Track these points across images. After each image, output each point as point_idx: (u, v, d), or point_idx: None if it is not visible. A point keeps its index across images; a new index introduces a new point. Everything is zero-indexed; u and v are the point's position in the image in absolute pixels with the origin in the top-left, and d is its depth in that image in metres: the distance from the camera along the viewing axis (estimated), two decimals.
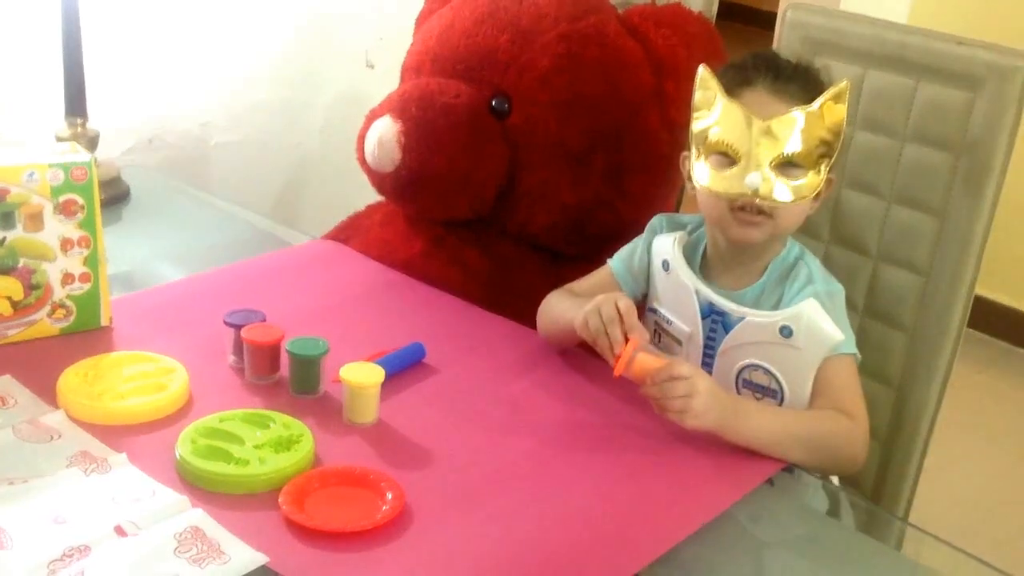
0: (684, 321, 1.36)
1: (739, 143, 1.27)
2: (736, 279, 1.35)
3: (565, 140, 1.58)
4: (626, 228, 1.53)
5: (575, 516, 1.11)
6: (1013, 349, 3.16)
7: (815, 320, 1.27)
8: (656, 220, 1.45)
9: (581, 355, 1.39)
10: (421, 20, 1.80)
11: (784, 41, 1.62)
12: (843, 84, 1.28)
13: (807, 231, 1.53)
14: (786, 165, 1.27)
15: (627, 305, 1.26)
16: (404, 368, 1.35)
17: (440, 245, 1.65)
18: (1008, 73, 1.42)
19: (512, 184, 1.60)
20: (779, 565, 1.13)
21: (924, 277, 1.50)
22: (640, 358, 1.23)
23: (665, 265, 1.38)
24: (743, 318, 1.31)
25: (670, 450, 1.22)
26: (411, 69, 1.71)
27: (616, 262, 1.45)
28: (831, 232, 1.58)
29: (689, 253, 1.39)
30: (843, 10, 1.78)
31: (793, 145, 1.26)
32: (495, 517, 1.10)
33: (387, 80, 1.83)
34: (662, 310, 1.40)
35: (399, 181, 1.59)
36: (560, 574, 1.03)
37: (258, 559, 1.00)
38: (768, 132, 1.26)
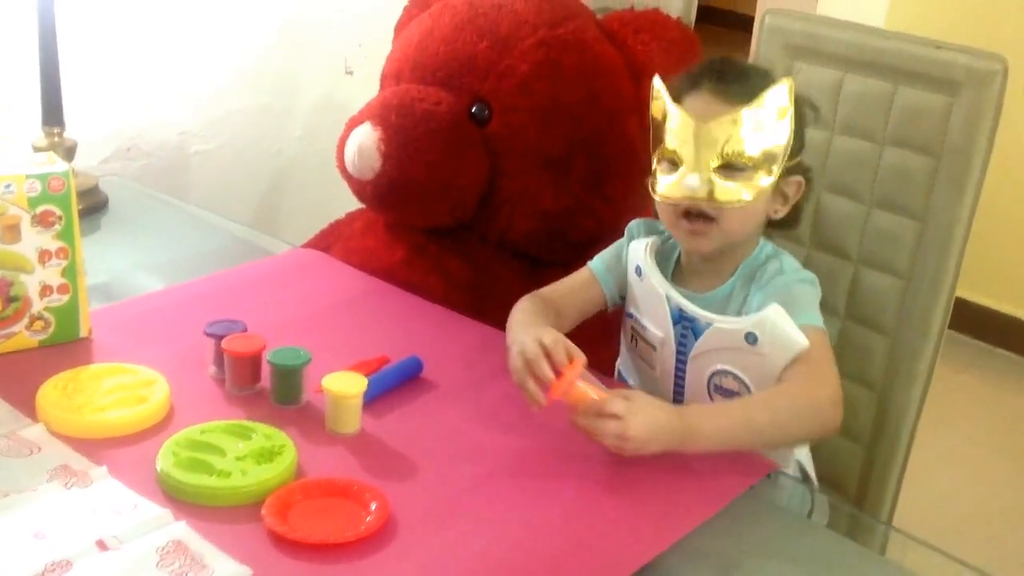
0: (657, 327, 1.37)
1: (683, 147, 1.28)
2: (705, 282, 1.36)
3: (545, 146, 1.58)
4: (606, 234, 1.53)
5: (560, 525, 1.11)
6: (994, 350, 3.18)
7: (779, 326, 1.25)
8: (634, 224, 1.45)
9: None
10: (400, 27, 1.80)
11: (763, 46, 1.63)
12: (784, 83, 1.28)
13: (788, 236, 1.53)
14: (728, 167, 1.26)
15: (553, 339, 1.21)
16: (401, 383, 1.33)
17: (421, 253, 1.65)
18: (986, 77, 1.42)
19: (492, 191, 1.60)
20: (762, 571, 1.13)
21: (905, 280, 1.50)
22: (579, 387, 1.18)
23: (638, 271, 1.38)
24: (711, 324, 1.31)
25: (656, 460, 1.21)
26: (390, 76, 1.71)
27: (597, 263, 1.45)
28: (812, 236, 1.58)
29: (664, 258, 1.40)
30: (821, 15, 1.79)
31: (733, 145, 1.26)
32: (480, 526, 1.10)
33: (366, 87, 1.83)
34: (637, 315, 1.40)
35: (379, 189, 1.59)
36: None
37: (242, 572, 0.99)
38: (708, 134, 1.26)
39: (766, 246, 1.36)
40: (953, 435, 2.68)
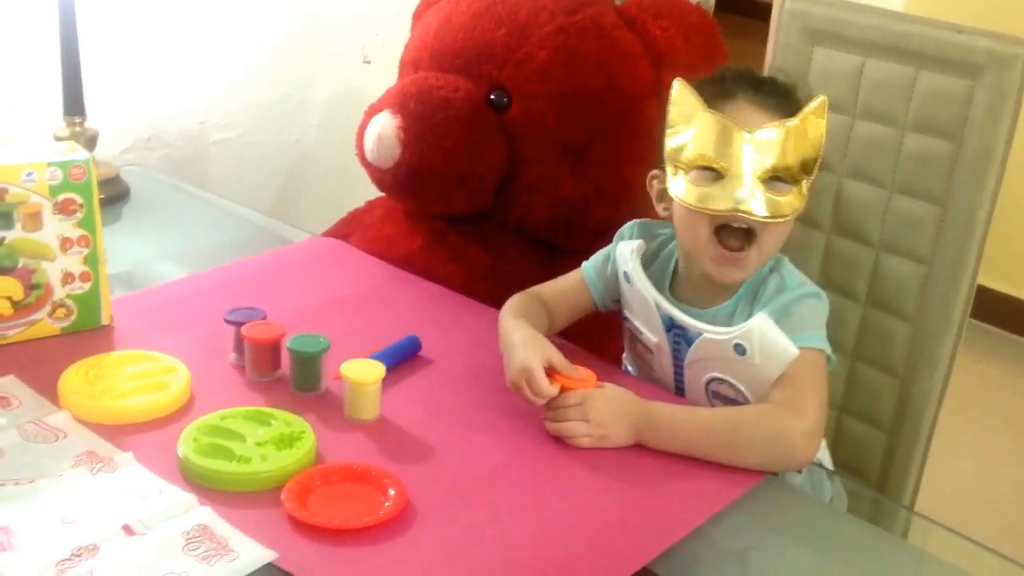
0: (651, 332, 1.35)
1: (723, 156, 1.23)
2: (707, 297, 1.32)
3: (563, 133, 1.58)
4: (625, 221, 1.52)
5: (579, 511, 1.11)
6: (1015, 338, 3.16)
7: (767, 336, 1.23)
8: (627, 227, 1.42)
9: (580, 349, 1.39)
10: (418, 15, 1.79)
11: (783, 31, 1.62)
12: (821, 99, 1.25)
13: (808, 222, 1.53)
14: (773, 179, 1.23)
15: (539, 375, 1.22)
16: (401, 362, 1.34)
17: (440, 240, 1.65)
18: (1008, 61, 1.41)
19: (511, 178, 1.60)
20: (783, 556, 1.13)
21: (926, 266, 1.50)
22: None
23: (626, 276, 1.36)
24: (700, 334, 1.29)
25: None
26: (409, 64, 1.71)
27: (589, 267, 1.43)
28: (833, 222, 1.57)
29: (661, 267, 1.37)
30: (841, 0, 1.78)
31: (780, 158, 1.22)
32: (498, 512, 1.10)
33: (384, 76, 1.83)
34: (632, 318, 1.38)
35: (398, 176, 1.59)
36: (564, 567, 1.03)
37: (267, 556, 1.00)
38: (753, 144, 1.22)
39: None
40: (974, 422, 2.67)
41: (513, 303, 1.39)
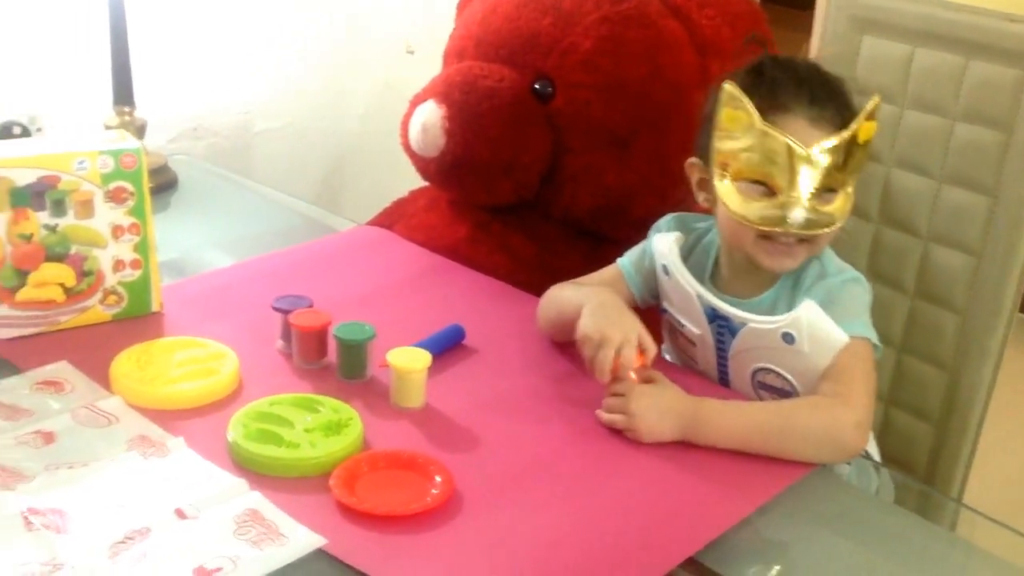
0: (693, 324, 1.34)
1: (779, 174, 1.21)
2: (748, 287, 1.32)
3: (608, 123, 1.58)
4: (669, 211, 1.52)
5: (626, 500, 1.11)
6: None
7: (816, 323, 1.22)
8: (663, 220, 1.41)
9: None
10: (462, 5, 1.80)
11: (830, 20, 1.60)
12: (874, 100, 1.23)
13: (856, 212, 1.51)
14: (825, 191, 1.22)
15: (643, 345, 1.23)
16: (445, 350, 1.35)
17: (485, 230, 1.65)
18: None
19: (556, 168, 1.60)
20: (830, 548, 1.12)
21: (976, 258, 1.48)
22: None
23: (665, 269, 1.36)
24: (745, 324, 1.28)
25: None
26: (453, 54, 1.71)
27: (625, 261, 1.42)
28: (881, 213, 1.56)
29: (700, 258, 1.36)
30: None
31: (834, 172, 1.21)
32: (544, 500, 1.10)
33: (427, 66, 1.83)
34: (672, 311, 1.38)
35: (443, 166, 1.59)
36: (610, 556, 1.03)
37: (316, 541, 1.01)
38: (809, 161, 1.21)
39: None
40: (1023, 415, 2.63)
41: (554, 290, 1.39)
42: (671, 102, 1.58)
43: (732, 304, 1.30)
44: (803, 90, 1.24)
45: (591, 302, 1.28)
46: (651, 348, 1.24)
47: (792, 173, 1.21)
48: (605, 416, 1.22)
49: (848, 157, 1.22)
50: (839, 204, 1.24)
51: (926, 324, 1.52)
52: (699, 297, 1.32)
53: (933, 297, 1.52)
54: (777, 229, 1.22)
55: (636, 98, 1.57)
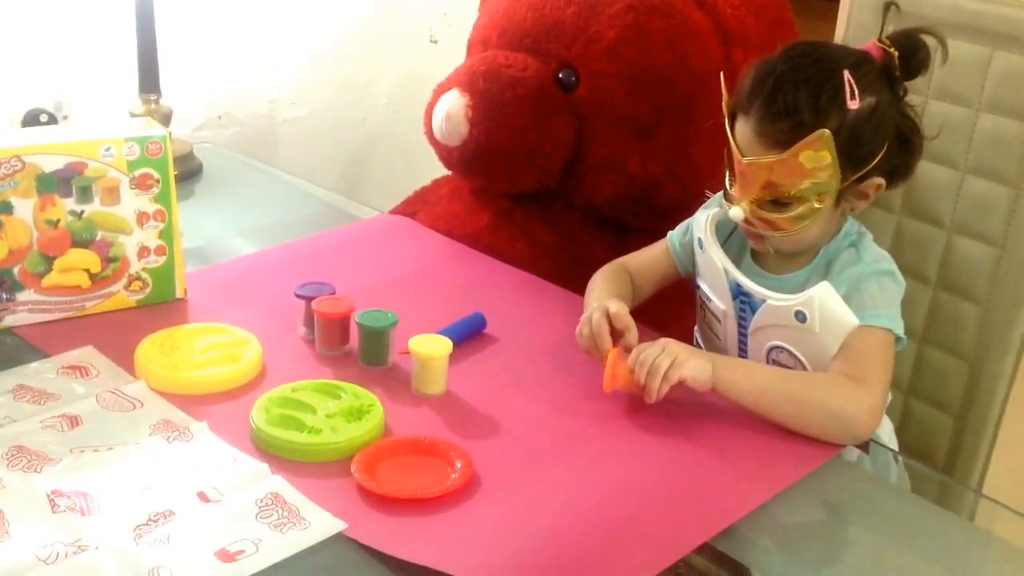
0: (719, 299, 1.35)
1: (732, 170, 1.26)
2: (779, 265, 1.33)
3: (632, 112, 1.58)
4: (693, 200, 1.52)
5: (644, 485, 1.12)
6: None
7: (828, 305, 1.23)
8: (715, 196, 1.41)
9: (644, 327, 1.39)
10: None
11: (854, 11, 1.60)
12: (819, 133, 1.17)
13: (879, 203, 1.51)
14: (769, 201, 1.23)
15: (617, 311, 1.26)
16: (466, 338, 1.36)
17: (507, 218, 1.66)
18: None
19: (579, 157, 1.60)
20: (847, 535, 1.13)
21: (998, 249, 1.47)
22: (621, 368, 1.22)
23: (700, 243, 1.37)
24: (765, 301, 1.29)
25: (745, 422, 1.22)
26: (477, 43, 1.71)
27: (673, 235, 1.45)
28: (903, 204, 1.56)
29: (741, 234, 1.37)
30: None
31: (769, 188, 1.22)
32: (561, 484, 1.11)
33: (450, 55, 1.83)
34: (703, 286, 1.39)
35: (466, 154, 1.60)
36: (626, 540, 1.04)
37: (337, 525, 1.02)
38: (745, 172, 1.23)
39: (851, 232, 1.31)
40: None
41: (602, 272, 1.43)
42: (694, 92, 1.58)
43: (763, 280, 1.31)
44: (765, 98, 1.22)
45: (588, 309, 1.32)
46: (632, 332, 1.26)
47: (734, 174, 1.26)
48: (640, 370, 1.20)
49: (787, 177, 1.21)
50: (799, 211, 1.22)
51: (948, 315, 1.51)
52: (726, 272, 1.33)
53: (955, 288, 1.52)
54: (731, 216, 1.27)
55: (660, 88, 1.57)
